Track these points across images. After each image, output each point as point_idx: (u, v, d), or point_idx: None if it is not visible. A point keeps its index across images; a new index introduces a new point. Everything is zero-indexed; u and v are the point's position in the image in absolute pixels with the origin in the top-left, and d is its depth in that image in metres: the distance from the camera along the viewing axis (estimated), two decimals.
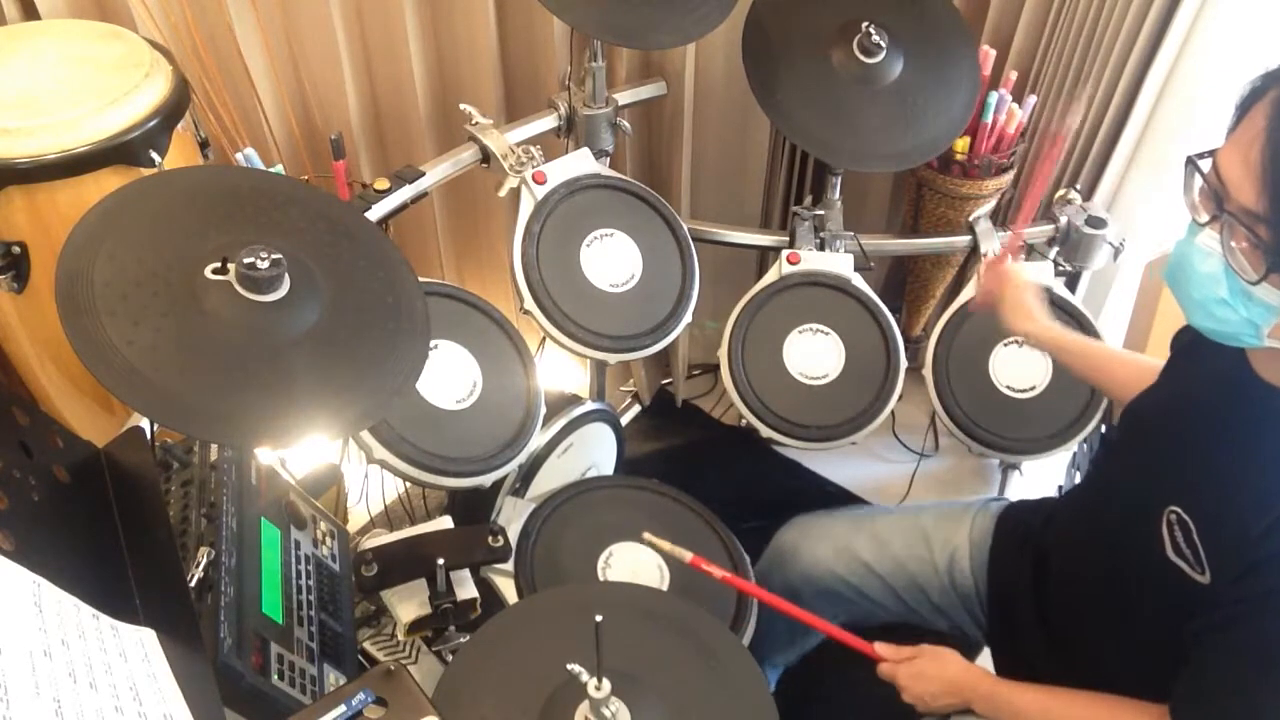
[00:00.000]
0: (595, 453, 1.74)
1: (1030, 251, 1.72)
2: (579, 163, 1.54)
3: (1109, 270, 1.77)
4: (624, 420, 2.23)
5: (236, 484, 1.00)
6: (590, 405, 1.63)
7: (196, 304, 0.90)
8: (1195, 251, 0.86)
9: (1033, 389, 1.59)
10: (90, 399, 1.45)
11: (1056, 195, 1.72)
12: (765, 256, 2.08)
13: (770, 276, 1.64)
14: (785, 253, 1.64)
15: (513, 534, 1.35)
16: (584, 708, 0.86)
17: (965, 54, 1.61)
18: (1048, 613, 1.20)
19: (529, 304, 1.45)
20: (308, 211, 1.06)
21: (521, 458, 1.43)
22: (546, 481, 1.55)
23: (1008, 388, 1.60)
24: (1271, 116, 0.78)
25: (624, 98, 1.68)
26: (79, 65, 1.28)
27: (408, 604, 1.20)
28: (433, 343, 1.28)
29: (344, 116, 1.76)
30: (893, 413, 1.61)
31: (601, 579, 1.37)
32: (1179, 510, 0.94)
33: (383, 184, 1.45)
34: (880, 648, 1.17)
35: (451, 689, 0.94)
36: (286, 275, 0.93)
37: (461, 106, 1.55)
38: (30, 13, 1.44)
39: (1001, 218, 1.93)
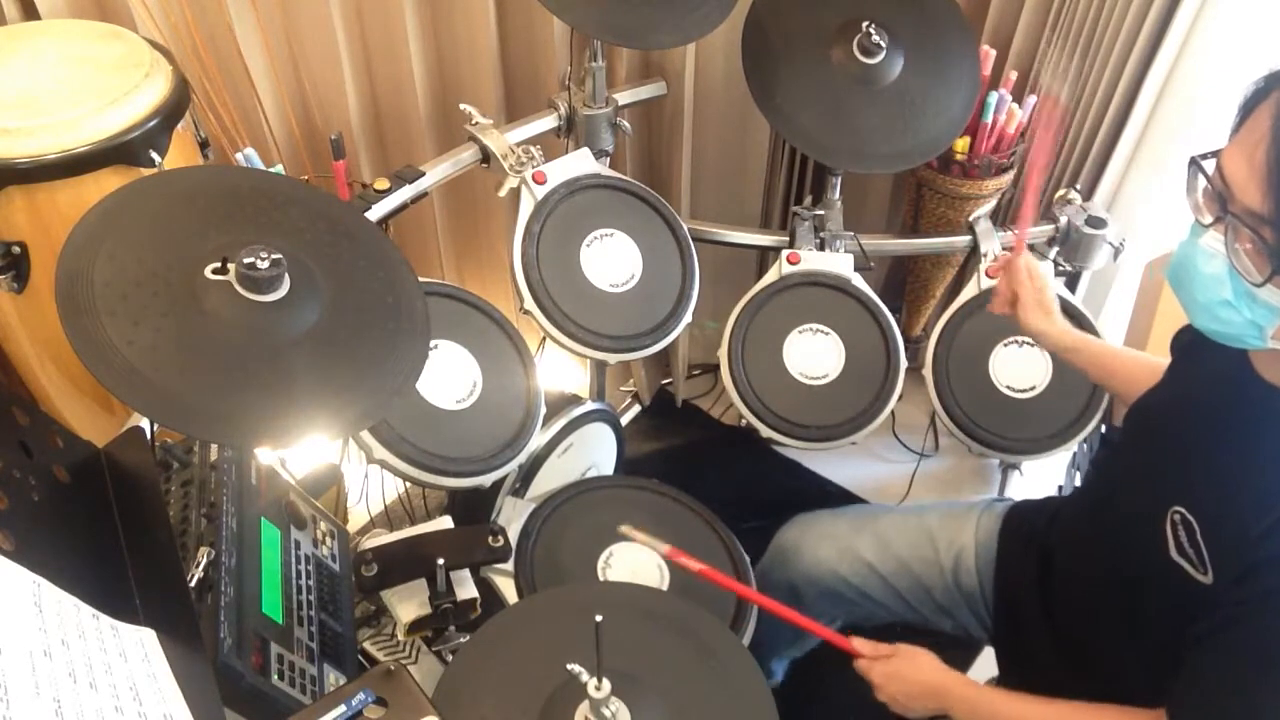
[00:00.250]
0: (595, 453, 1.74)
1: (1030, 251, 1.72)
2: (579, 163, 1.54)
3: (1109, 270, 1.77)
4: (624, 420, 2.24)
5: (236, 484, 1.00)
6: (590, 405, 1.63)
7: (196, 304, 0.90)
8: (1199, 253, 0.86)
9: (1033, 389, 1.59)
10: (90, 399, 1.45)
11: (1057, 195, 1.72)
12: (765, 256, 2.08)
13: (770, 276, 1.64)
14: (785, 253, 1.64)
15: (513, 534, 1.35)
16: (584, 708, 0.86)
17: (965, 54, 1.60)
18: (1053, 612, 1.19)
19: (529, 304, 1.45)
20: (308, 211, 1.06)
21: (521, 458, 1.43)
22: (546, 481, 1.55)
23: (1008, 388, 1.60)
24: (1277, 117, 0.77)
25: (624, 98, 1.68)
26: (79, 65, 1.28)
27: (408, 604, 1.20)
28: (433, 343, 1.28)
29: (344, 116, 1.76)
30: (893, 413, 1.61)
31: (601, 579, 1.37)
32: (1183, 510, 0.94)
33: (383, 184, 1.45)
34: (858, 643, 1.16)
35: (451, 689, 0.94)
36: (286, 275, 0.93)
37: (461, 106, 1.55)
38: (30, 13, 1.44)
39: (1001, 218, 1.94)
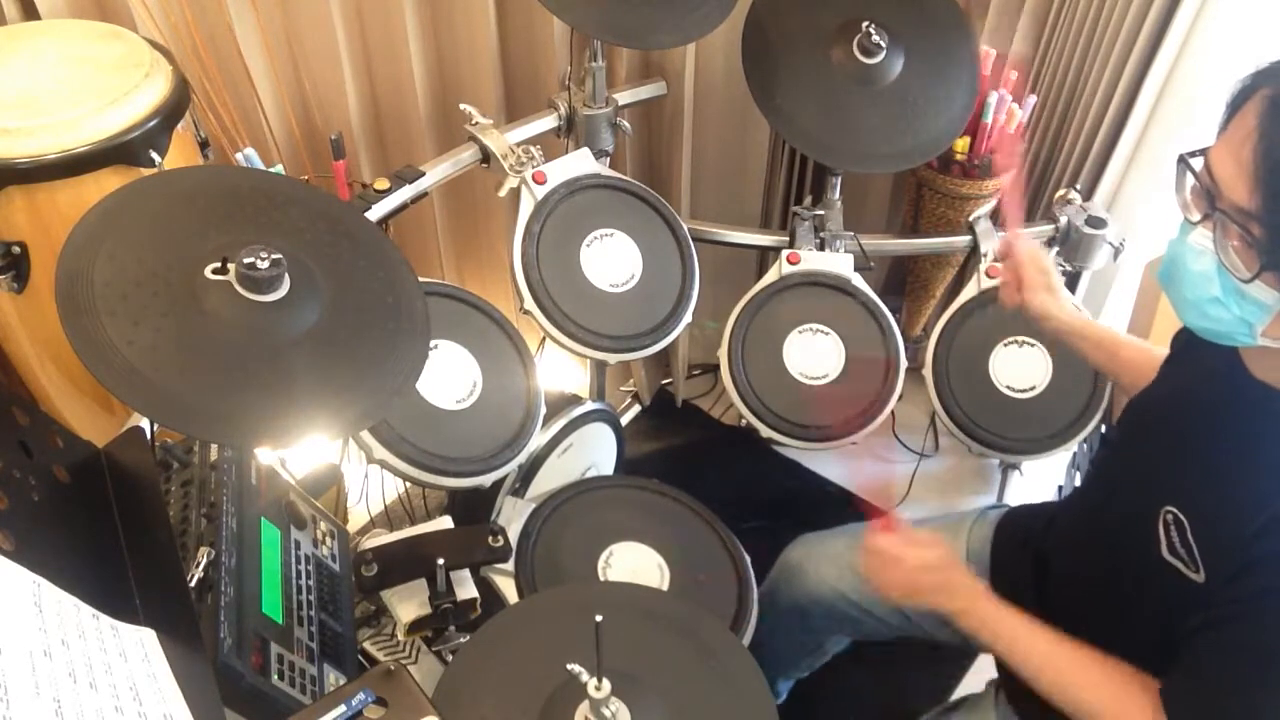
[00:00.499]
0: (595, 453, 1.74)
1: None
2: (579, 163, 1.54)
3: (1109, 270, 1.77)
4: (624, 420, 2.24)
5: (236, 484, 1.00)
6: (590, 405, 1.63)
7: (196, 304, 0.90)
8: (1188, 250, 0.86)
9: (1033, 389, 1.59)
10: (90, 399, 1.45)
11: (1057, 195, 1.72)
12: (765, 256, 2.08)
13: (770, 276, 1.64)
14: (785, 253, 1.64)
15: (513, 534, 1.35)
16: (584, 708, 0.86)
17: (965, 54, 1.60)
18: (1049, 616, 1.19)
19: (529, 304, 1.45)
20: (308, 211, 1.06)
21: (521, 458, 1.43)
22: (546, 481, 1.55)
23: (1008, 388, 1.60)
24: (1262, 114, 0.78)
25: (624, 98, 1.68)
26: (79, 65, 1.28)
27: (408, 604, 1.20)
28: (433, 343, 1.28)
29: (344, 116, 1.76)
30: (893, 413, 1.61)
31: (601, 579, 1.37)
32: (1174, 509, 0.94)
33: (383, 184, 1.45)
34: (897, 519, 1.12)
35: (451, 689, 0.94)
36: (286, 275, 0.93)
37: (461, 106, 1.55)
38: (30, 13, 1.44)
39: (1001, 218, 1.94)
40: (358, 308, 1.01)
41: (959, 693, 1.69)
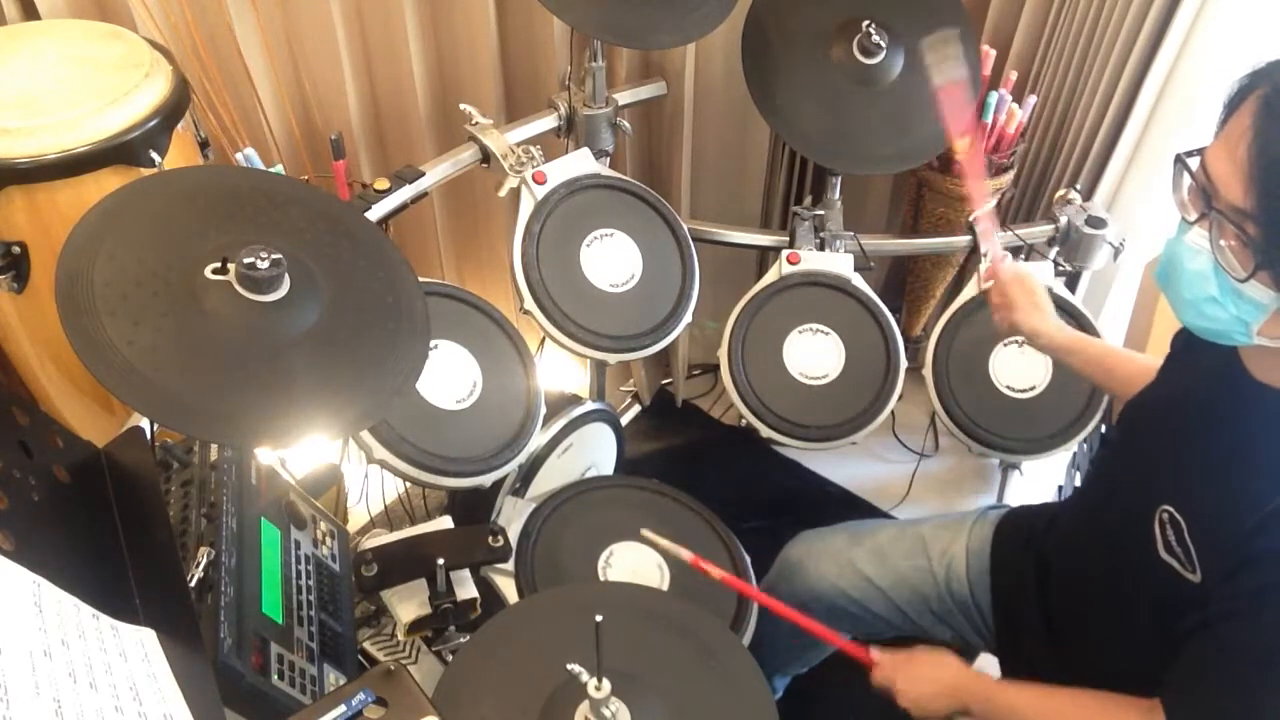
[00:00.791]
0: (595, 453, 1.74)
1: (1030, 251, 1.72)
2: (579, 163, 1.54)
3: (1109, 270, 1.77)
4: (624, 420, 2.23)
5: (236, 484, 1.00)
6: (590, 405, 1.63)
7: (196, 304, 0.90)
8: (1185, 250, 0.87)
9: (1033, 389, 1.59)
10: (90, 399, 1.45)
11: (1057, 195, 1.72)
12: (765, 256, 2.08)
13: (770, 276, 1.64)
14: (785, 253, 1.64)
15: (513, 534, 1.35)
16: (584, 708, 0.86)
17: (965, 53, 1.60)
18: (1050, 617, 1.20)
19: (529, 304, 1.45)
20: (308, 211, 1.06)
21: (521, 458, 1.43)
22: (546, 481, 1.55)
23: (1008, 388, 1.60)
24: (1258, 114, 0.78)
25: (624, 98, 1.68)
26: (79, 65, 1.28)
27: (408, 604, 1.20)
28: (433, 343, 1.28)
29: (344, 116, 1.76)
30: (893, 413, 1.61)
31: (601, 579, 1.37)
32: (1170, 509, 0.94)
33: (383, 184, 1.45)
34: (875, 653, 1.17)
35: (451, 689, 0.94)
36: (286, 275, 0.93)
37: (461, 106, 1.55)
38: (30, 13, 1.44)
39: (1002, 218, 1.94)
40: (358, 308, 1.01)
41: None
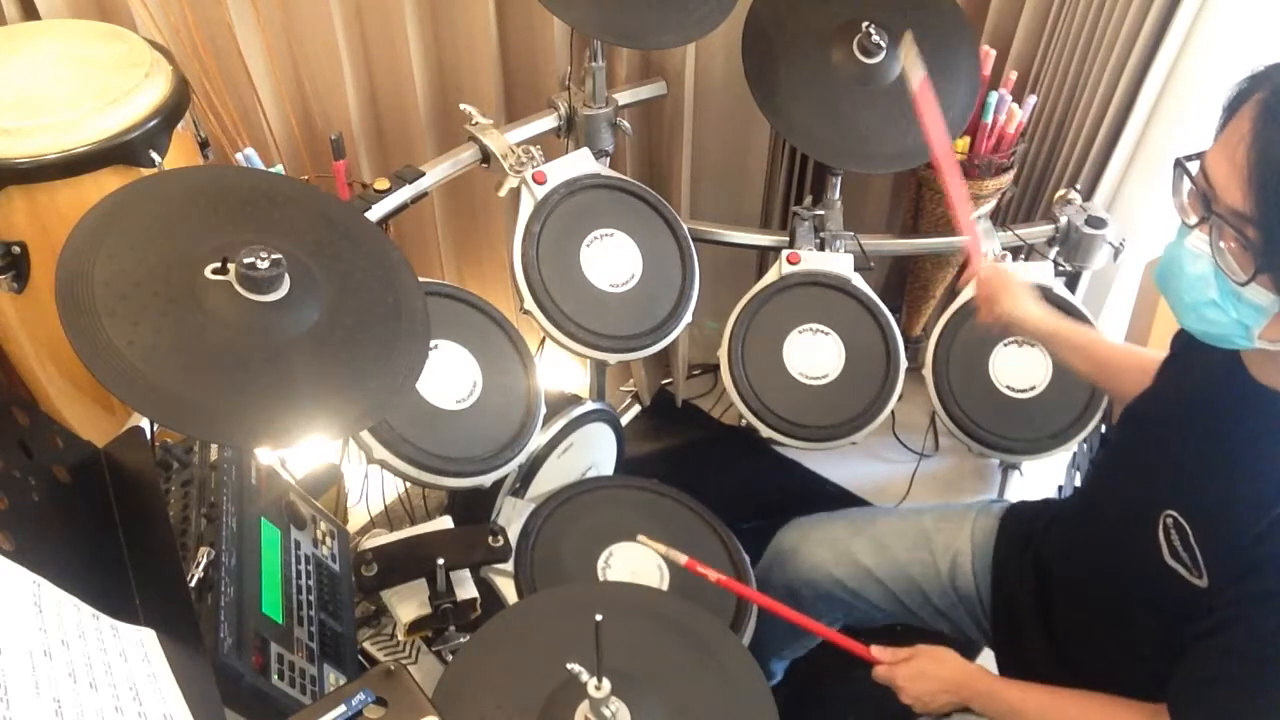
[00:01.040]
0: (595, 453, 1.74)
1: (1030, 251, 1.72)
2: (579, 163, 1.54)
3: (1109, 270, 1.77)
4: (624, 420, 2.23)
5: (236, 484, 1.00)
6: (590, 405, 1.63)
7: (196, 304, 0.90)
8: (1185, 253, 0.87)
9: (1033, 389, 1.59)
10: (90, 399, 1.45)
11: (1057, 195, 1.72)
12: (765, 256, 2.08)
13: (770, 276, 1.64)
14: (785, 253, 1.64)
15: (513, 534, 1.35)
16: (584, 708, 0.86)
17: (966, 53, 1.60)
18: (1050, 615, 1.20)
19: (529, 304, 1.45)
20: (308, 211, 1.06)
21: (521, 458, 1.43)
22: (546, 481, 1.55)
23: (1008, 388, 1.60)
24: (1257, 118, 0.78)
25: (624, 98, 1.68)
26: (79, 65, 1.28)
27: (408, 604, 1.20)
28: (433, 343, 1.28)
29: (344, 116, 1.76)
30: (893, 413, 1.61)
31: (601, 579, 1.37)
32: (1175, 514, 0.94)
33: (383, 184, 1.45)
34: (877, 651, 1.17)
35: (451, 689, 0.94)
36: (286, 275, 0.93)
37: (461, 106, 1.55)
38: (30, 13, 1.44)
39: (1002, 218, 1.94)
40: (358, 308, 1.01)
41: None
